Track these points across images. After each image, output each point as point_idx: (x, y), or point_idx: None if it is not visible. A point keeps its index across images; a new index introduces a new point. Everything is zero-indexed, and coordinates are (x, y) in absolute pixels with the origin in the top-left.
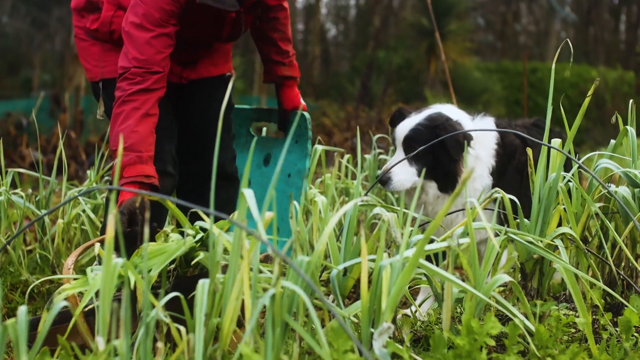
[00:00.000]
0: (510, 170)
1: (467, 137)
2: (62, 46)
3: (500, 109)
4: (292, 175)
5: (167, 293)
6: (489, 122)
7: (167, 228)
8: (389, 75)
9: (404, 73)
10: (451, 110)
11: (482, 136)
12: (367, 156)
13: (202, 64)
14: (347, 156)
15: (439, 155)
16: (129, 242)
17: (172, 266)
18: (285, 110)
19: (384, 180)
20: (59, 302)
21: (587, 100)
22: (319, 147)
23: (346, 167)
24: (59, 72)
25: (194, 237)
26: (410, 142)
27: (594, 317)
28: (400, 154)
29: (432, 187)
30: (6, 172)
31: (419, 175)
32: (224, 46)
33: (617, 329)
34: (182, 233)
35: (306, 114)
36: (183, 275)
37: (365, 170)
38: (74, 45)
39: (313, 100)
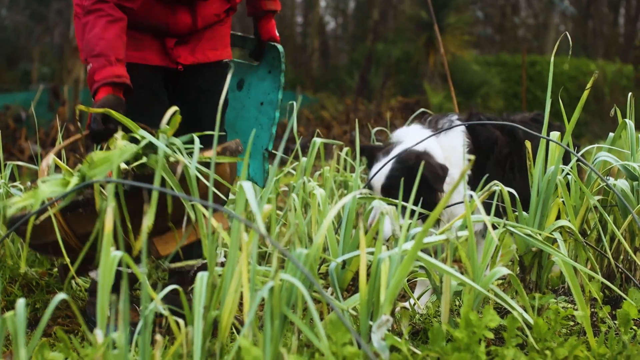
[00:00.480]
0: (490, 165)
1: (444, 170)
2: (61, 39)
3: (499, 102)
4: (264, 104)
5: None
6: (457, 133)
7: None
8: (388, 68)
9: (402, 66)
10: (416, 134)
11: (449, 151)
12: None
13: (200, 47)
14: (345, 149)
15: (421, 192)
16: (105, 139)
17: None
18: (262, 42)
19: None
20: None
21: (586, 93)
22: (318, 140)
23: (345, 160)
24: (58, 65)
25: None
26: (389, 190)
27: (592, 310)
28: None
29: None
30: (5, 165)
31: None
32: (221, 28)
33: (616, 321)
34: (132, 139)
35: (280, 47)
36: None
37: (363, 163)
38: (73, 38)
39: (312, 93)
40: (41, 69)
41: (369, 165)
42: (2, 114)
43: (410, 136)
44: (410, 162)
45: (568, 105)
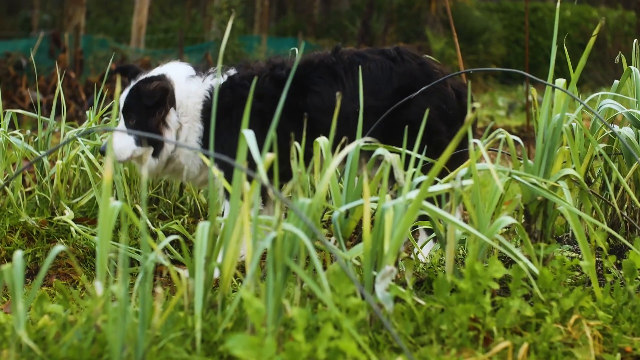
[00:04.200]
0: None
1: (163, 91)
2: None
3: (501, 49)
4: None
5: None
6: (208, 80)
7: None
8: (390, 14)
9: (404, 12)
10: (177, 69)
11: (186, 99)
12: None
13: None
14: None
15: (143, 115)
16: None
17: None
18: None
19: (103, 150)
20: None
21: (592, 40)
22: None
23: None
24: (59, 11)
25: None
26: (127, 110)
27: (597, 258)
28: (120, 122)
29: (149, 155)
30: (4, 114)
31: (138, 143)
32: None
33: (622, 271)
34: None
35: None
36: None
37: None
38: None
39: (314, 40)
40: (42, 15)
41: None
42: (3, 61)
43: (163, 68)
44: (143, 86)
45: (570, 52)
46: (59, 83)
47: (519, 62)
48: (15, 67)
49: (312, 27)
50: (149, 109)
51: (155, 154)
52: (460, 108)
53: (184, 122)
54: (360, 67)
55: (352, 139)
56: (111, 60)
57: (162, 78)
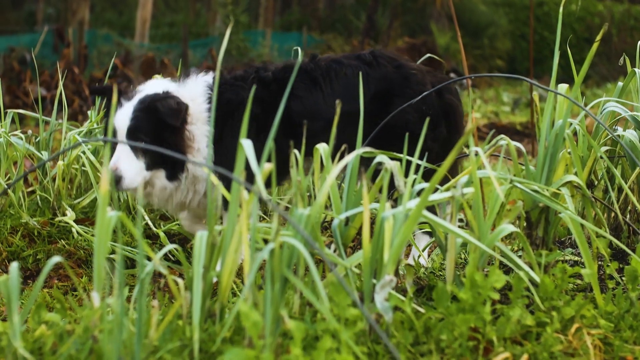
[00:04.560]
0: (229, 128)
1: (180, 105)
2: None
3: (507, 43)
4: None
5: None
6: (200, 82)
7: None
8: (395, 8)
9: (409, 6)
10: (160, 86)
11: (192, 107)
12: None
13: None
14: None
15: (162, 133)
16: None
17: None
18: None
19: (118, 180)
20: None
21: (594, 46)
22: None
23: None
24: (63, 5)
25: None
26: (135, 132)
27: (600, 262)
28: (122, 147)
29: (159, 178)
30: (5, 113)
31: (148, 168)
32: None
33: (624, 277)
34: None
35: None
36: None
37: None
38: None
39: (318, 34)
40: (46, 9)
41: (106, 107)
42: (7, 56)
43: (151, 86)
44: (153, 101)
45: (575, 46)
46: (60, 83)
47: (525, 56)
48: (20, 61)
49: (317, 21)
50: (170, 128)
51: (172, 176)
52: (442, 105)
53: (196, 130)
54: (337, 73)
55: (336, 144)
56: (114, 55)
57: (171, 95)
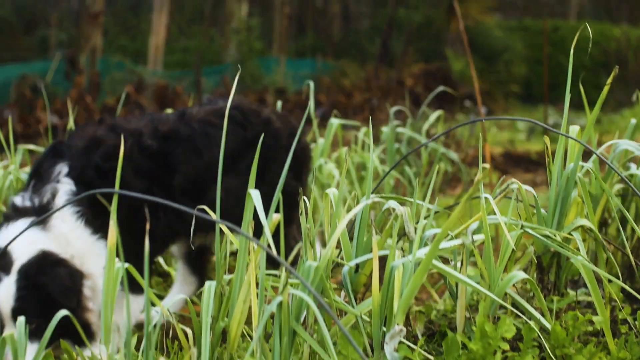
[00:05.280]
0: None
1: (74, 278)
2: (79, 4)
3: (522, 68)
4: None
5: None
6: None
7: None
8: (410, 34)
9: (424, 32)
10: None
11: (72, 244)
12: (384, 129)
13: None
14: (363, 129)
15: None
16: None
17: None
18: None
19: None
20: None
21: (606, 89)
22: (335, 121)
23: (363, 142)
24: (75, 31)
25: None
26: (25, 313)
27: (612, 304)
28: (11, 326)
29: None
30: (15, 150)
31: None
32: None
33: (637, 322)
34: None
35: None
36: None
37: (382, 142)
38: (90, 4)
39: (332, 60)
40: (59, 35)
41: None
42: (19, 83)
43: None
44: (33, 275)
45: (591, 70)
46: (71, 114)
47: (541, 81)
48: (32, 89)
49: (331, 46)
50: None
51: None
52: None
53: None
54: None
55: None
56: (127, 83)
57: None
